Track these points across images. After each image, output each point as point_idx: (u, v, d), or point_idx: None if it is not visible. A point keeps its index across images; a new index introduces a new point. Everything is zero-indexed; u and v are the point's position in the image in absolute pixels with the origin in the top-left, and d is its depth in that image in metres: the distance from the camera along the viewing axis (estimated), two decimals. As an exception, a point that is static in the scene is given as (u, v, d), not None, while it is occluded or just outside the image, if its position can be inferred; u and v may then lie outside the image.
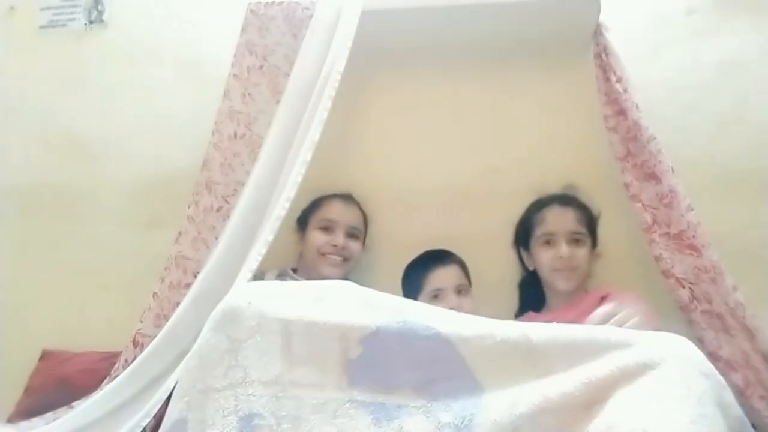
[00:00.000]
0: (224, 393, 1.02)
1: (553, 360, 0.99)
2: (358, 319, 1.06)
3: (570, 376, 0.97)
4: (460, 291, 1.58)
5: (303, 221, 1.75)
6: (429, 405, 1.02)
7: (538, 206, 1.64)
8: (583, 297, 1.57)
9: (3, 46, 2.09)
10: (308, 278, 1.67)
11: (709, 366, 0.94)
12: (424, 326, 1.04)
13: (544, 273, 1.58)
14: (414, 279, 1.62)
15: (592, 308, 1.44)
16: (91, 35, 2.08)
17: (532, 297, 1.67)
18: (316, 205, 1.75)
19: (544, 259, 1.57)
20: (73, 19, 2.09)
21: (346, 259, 1.69)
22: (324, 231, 1.69)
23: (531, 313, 1.63)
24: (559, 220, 1.57)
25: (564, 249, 1.53)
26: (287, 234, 1.74)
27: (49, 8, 2.10)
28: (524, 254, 1.66)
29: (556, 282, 1.56)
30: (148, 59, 2.03)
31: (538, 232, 1.59)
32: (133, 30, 2.06)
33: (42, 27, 2.10)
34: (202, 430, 1.00)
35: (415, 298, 1.56)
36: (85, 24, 2.08)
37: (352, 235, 1.72)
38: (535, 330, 1.05)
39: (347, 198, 1.77)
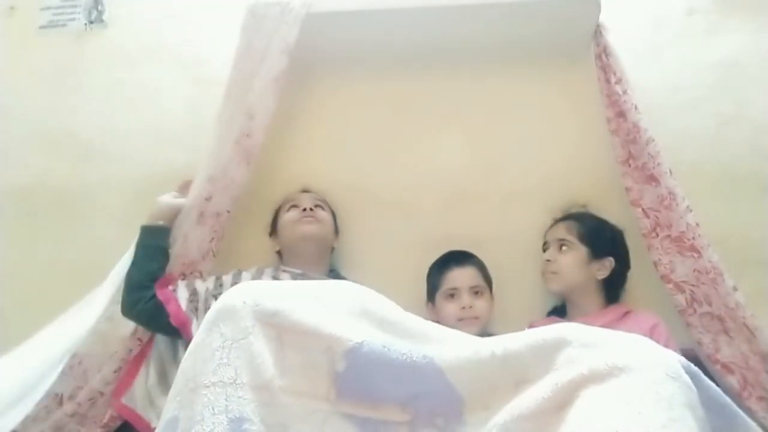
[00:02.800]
0: (213, 390, 1.01)
1: (528, 366, 1.00)
2: (342, 332, 1.06)
3: (543, 380, 0.97)
4: (476, 292, 1.64)
5: (274, 223, 1.80)
6: (413, 421, 1.03)
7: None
8: (599, 313, 1.62)
9: (3, 46, 2.09)
10: (293, 260, 1.71)
11: (676, 368, 0.94)
12: (405, 351, 1.05)
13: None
14: (433, 277, 1.70)
15: (614, 321, 1.56)
16: (91, 35, 2.08)
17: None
18: (282, 205, 1.80)
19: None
20: (73, 19, 2.09)
21: (318, 221, 1.72)
22: (291, 209, 1.75)
23: (554, 317, 1.67)
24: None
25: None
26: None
27: (49, 8, 2.10)
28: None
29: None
30: (148, 59, 2.03)
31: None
32: (133, 30, 2.06)
33: (42, 27, 2.10)
34: (191, 427, 0.99)
35: (434, 295, 1.67)
36: (85, 24, 2.09)
37: (317, 205, 1.76)
38: (509, 339, 1.06)
39: (305, 190, 1.84)
